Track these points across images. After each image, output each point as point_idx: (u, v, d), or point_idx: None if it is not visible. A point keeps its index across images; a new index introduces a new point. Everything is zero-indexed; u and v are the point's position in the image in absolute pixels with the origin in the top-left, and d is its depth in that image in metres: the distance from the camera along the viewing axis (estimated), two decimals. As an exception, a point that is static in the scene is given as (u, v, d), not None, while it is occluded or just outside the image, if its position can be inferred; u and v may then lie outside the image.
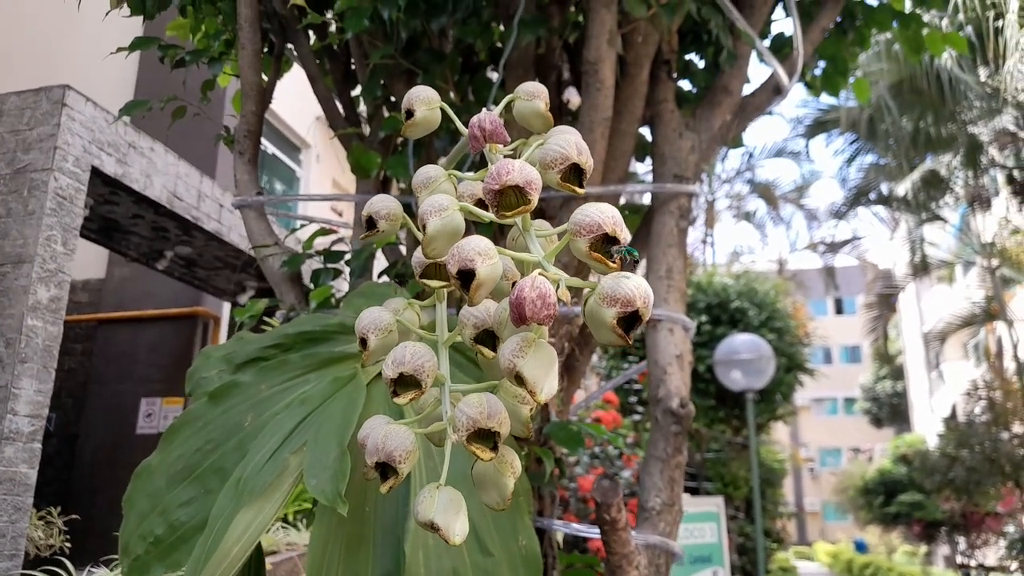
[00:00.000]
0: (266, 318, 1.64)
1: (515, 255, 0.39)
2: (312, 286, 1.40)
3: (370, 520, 0.82)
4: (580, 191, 0.41)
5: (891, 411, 25.72)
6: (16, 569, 3.85)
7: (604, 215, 0.36)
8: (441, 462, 0.80)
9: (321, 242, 1.55)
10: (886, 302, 15.85)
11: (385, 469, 0.41)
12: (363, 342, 0.47)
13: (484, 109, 0.48)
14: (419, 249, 0.44)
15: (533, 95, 0.50)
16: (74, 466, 6.73)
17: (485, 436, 0.39)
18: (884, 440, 26.22)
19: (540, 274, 0.36)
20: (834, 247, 18.71)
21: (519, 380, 0.36)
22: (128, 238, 5.66)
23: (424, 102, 0.50)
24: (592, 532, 1.08)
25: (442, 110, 0.51)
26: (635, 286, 0.35)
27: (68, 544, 4.94)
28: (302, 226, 1.64)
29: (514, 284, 0.47)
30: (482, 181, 0.51)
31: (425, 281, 0.44)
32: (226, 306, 7.26)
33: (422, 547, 0.79)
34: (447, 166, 0.63)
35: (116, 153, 4.67)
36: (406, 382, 0.41)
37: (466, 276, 0.37)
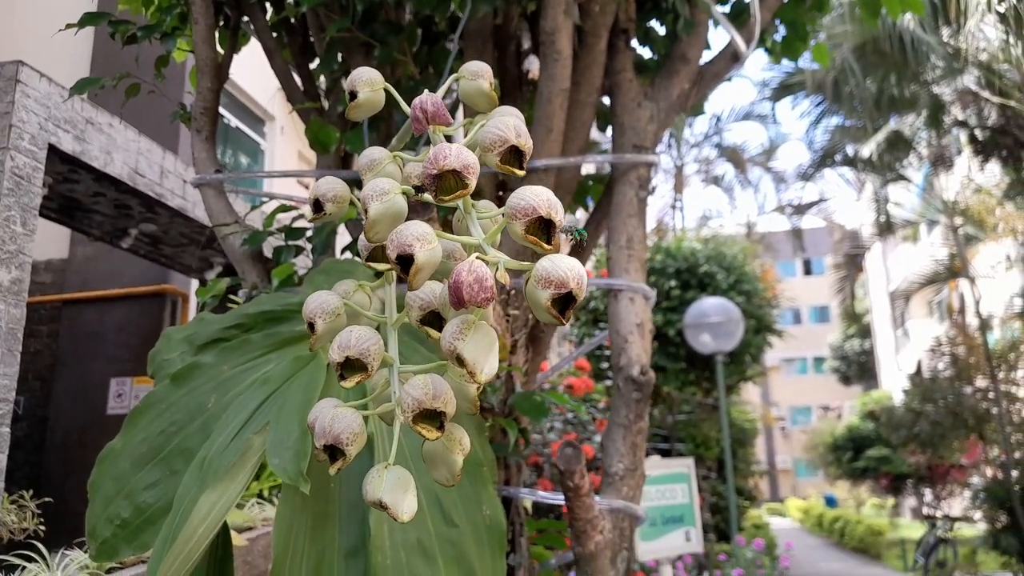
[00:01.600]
0: (231, 296, 1.63)
1: (455, 238, 0.40)
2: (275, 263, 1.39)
3: (335, 497, 0.83)
4: (519, 172, 0.41)
5: (859, 369, 26.22)
6: (-11, 553, 3.82)
7: (539, 199, 0.37)
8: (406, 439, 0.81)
9: (282, 218, 1.54)
10: (853, 262, 16.08)
11: (334, 451, 0.42)
12: (311, 326, 0.48)
13: (432, 91, 0.48)
14: (362, 234, 0.44)
15: (477, 75, 0.50)
16: (44, 449, 6.66)
17: (431, 416, 0.40)
18: (852, 397, 26.77)
19: (478, 257, 0.36)
20: (801, 209, 18.90)
21: (460, 362, 0.37)
22: (90, 216, 5.56)
23: (367, 83, 0.50)
24: (558, 499, 1.10)
25: (386, 91, 0.51)
26: (568, 268, 0.36)
27: (42, 527, 4.90)
28: (263, 203, 1.63)
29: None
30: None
31: (371, 264, 0.44)
32: (194, 283, 7.18)
33: (386, 521, 0.80)
34: (395, 146, 0.63)
35: (74, 130, 4.56)
36: (352, 365, 0.42)
37: (405, 261, 0.37)
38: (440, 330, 0.44)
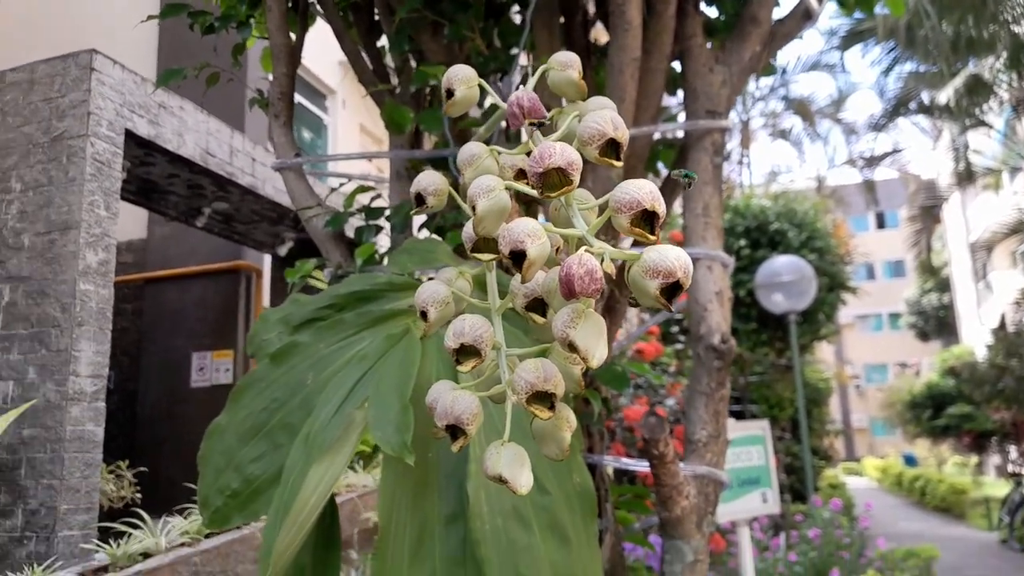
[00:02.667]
0: (315, 273, 1.69)
1: (561, 231, 0.42)
2: (355, 242, 1.44)
3: (434, 466, 0.87)
4: (617, 164, 0.43)
5: (937, 324, 25.40)
6: (93, 521, 4.08)
7: (643, 192, 0.39)
8: (496, 415, 0.84)
9: (360, 198, 1.58)
10: (930, 213, 15.51)
11: (454, 430, 0.45)
12: (423, 315, 0.51)
13: (512, 78, 0.49)
14: (468, 225, 0.47)
15: (566, 65, 0.52)
16: (136, 421, 7.01)
17: (543, 397, 0.43)
18: (931, 354, 25.99)
19: (586, 250, 0.39)
20: (874, 161, 18.26)
21: (572, 348, 0.39)
22: (166, 197, 5.76)
23: (463, 81, 0.53)
24: (640, 465, 1.13)
25: (480, 87, 0.53)
26: (675, 258, 0.38)
27: (139, 495, 5.20)
28: (341, 185, 1.67)
29: (558, 251, 0.49)
30: (522, 156, 0.53)
31: (476, 255, 0.47)
32: (267, 258, 7.40)
33: (484, 488, 0.84)
34: (483, 135, 0.65)
35: (147, 114, 4.72)
36: (467, 351, 0.44)
37: (518, 256, 0.40)
38: (543, 315, 0.47)
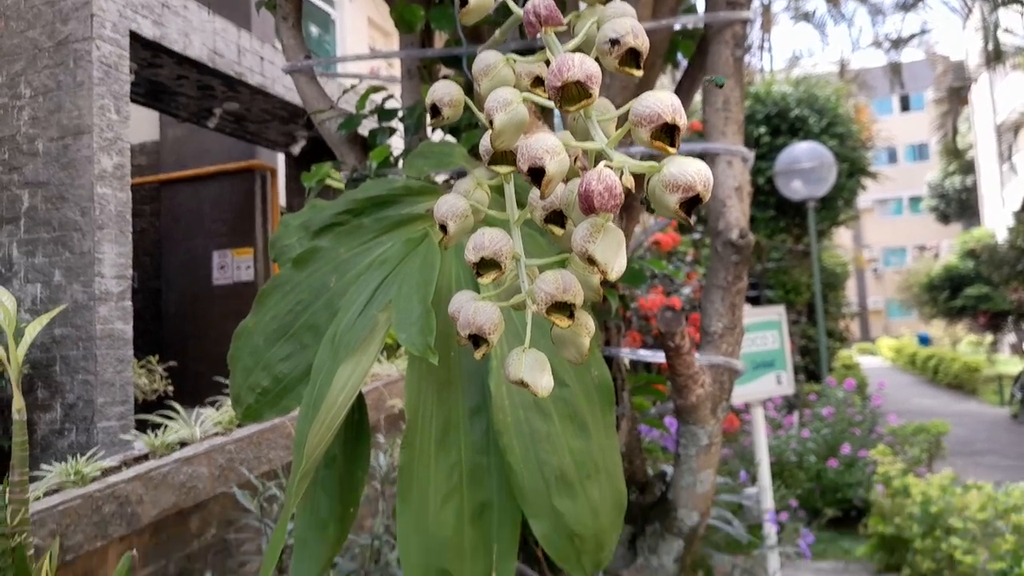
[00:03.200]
0: (331, 173, 1.69)
1: (580, 145, 0.43)
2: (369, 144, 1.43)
3: (456, 363, 0.91)
4: (637, 73, 0.43)
5: (959, 207, 25.06)
6: (130, 413, 4.25)
7: (663, 105, 0.39)
8: (516, 317, 0.87)
9: (373, 97, 1.56)
10: (957, 95, 15.03)
11: (476, 339, 0.48)
12: (443, 228, 0.52)
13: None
14: (486, 137, 0.47)
15: (582, -34, 0.51)
16: (161, 318, 7.17)
17: (562, 307, 0.45)
18: (950, 236, 25.78)
19: (605, 165, 0.39)
20: (900, 42, 17.53)
21: (591, 262, 0.41)
22: (176, 99, 5.69)
23: (477, -14, 0.52)
24: (656, 356, 1.16)
25: (495, -8, 0.52)
26: (695, 172, 0.38)
27: (170, 388, 5.40)
28: (353, 87, 1.65)
29: (576, 161, 0.50)
30: (539, 63, 0.53)
31: (494, 167, 0.48)
32: (280, 156, 7.36)
33: (504, 383, 0.87)
34: (498, 39, 0.64)
35: (151, 15, 4.61)
36: (487, 264, 0.46)
37: (536, 173, 0.40)
38: (561, 226, 0.48)
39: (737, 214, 1.16)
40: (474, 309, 0.46)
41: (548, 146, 0.40)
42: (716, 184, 1.18)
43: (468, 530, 0.86)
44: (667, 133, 0.39)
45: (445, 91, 0.55)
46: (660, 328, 1.03)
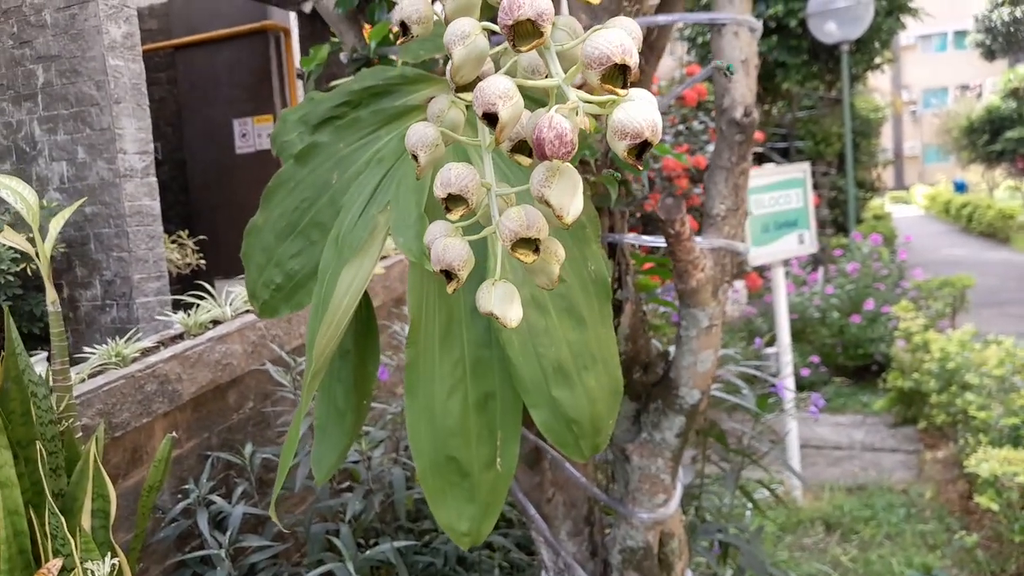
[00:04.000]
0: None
1: (535, 84, 0.42)
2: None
3: (455, 262, 0.93)
4: (595, 1, 0.42)
5: (1007, 41, 23.70)
6: (165, 288, 4.39)
7: (612, 45, 0.38)
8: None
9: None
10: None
11: (448, 274, 0.49)
12: (414, 157, 0.52)
13: None
14: (449, 65, 0.46)
15: None
16: (188, 190, 7.23)
17: (527, 242, 0.45)
18: (995, 74, 24.58)
19: (557, 110, 0.39)
20: None
21: (547, 205, 0.41)
22: (180, -41, 5.47)
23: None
24: (658, 241, 1.17)
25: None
26: (643, 119, 0.37)
27: (202, 260, 5.52)
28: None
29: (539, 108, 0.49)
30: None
31: (460, 96, 0.47)
32: (293, 16, 7.12)
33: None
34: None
35: None
36: (455, 199, 0.46)
37: (491, 118, 0.40)
38: (528, 155, 0.48)
39: (743, 90, 1.13)
40: (443, 246, 0.47)
41: (501, 91, 0.39)
42: (720, 56, 1.14)
43: (473, 419, 0.91)
44: (619, 74, 0.39)
45: (413, 7, 0.53)
46: (660, 215, 1.03)
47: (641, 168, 0.40)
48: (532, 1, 0.39)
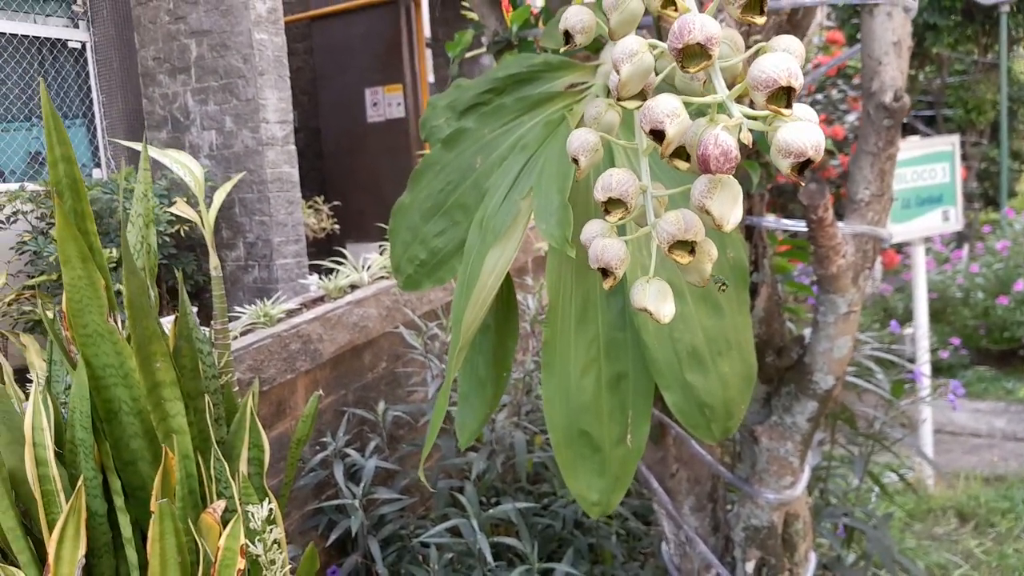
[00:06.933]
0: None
1: (700, 100, 0.44)
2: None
3: (594, 247, 0.97)
4: (760, 20, 0.43)
5: None
6: (303, 251, 4.64)
7: (779, 69, 0.40)
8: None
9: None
10: None
11: (605, 272, 0.52)
12: (575, 161, 0.56)
13: None
14: (613, 76, 0.49)
15: None
16: (323, 157, 7.55)
17: (684, 243, 0.48)
18: None
19: (723, 127, 0.41)
20: None
21: (708, 215, 0.43)
22: (319, -67, 5.67)
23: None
24: (798, 226, 1.16)
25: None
26: (806, 139, 0.39)
27: (337, 226, 5.78)
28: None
29: (704, 115, 0.51)
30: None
31: (623, 104, 0.50)
32: (422, -15, 7.25)
33: (640, 267, 0.92)
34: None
35: None
36: (614, 203, 0.50)
37: (658, 135, 0.43)
38: (686, 160, 0.51)
39: (894, 72, 1.09)
40: (602, 246, 0.51)
41: (669, 109, 0.42)
42: (872, 39, 1.10)
43: (606, 397, 0.95)
44: (784, 95, 0.40)
45: (578, 18, 0.56)
46: (803, 200, 1.02)
47: (803, 184, 0.42)
48: (703, 26, 0.41)
